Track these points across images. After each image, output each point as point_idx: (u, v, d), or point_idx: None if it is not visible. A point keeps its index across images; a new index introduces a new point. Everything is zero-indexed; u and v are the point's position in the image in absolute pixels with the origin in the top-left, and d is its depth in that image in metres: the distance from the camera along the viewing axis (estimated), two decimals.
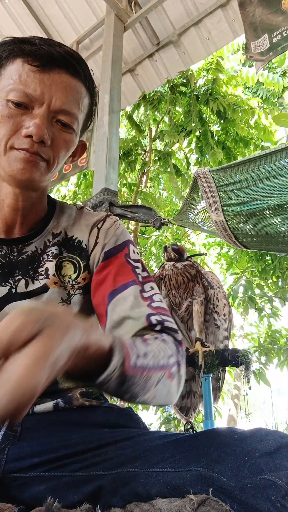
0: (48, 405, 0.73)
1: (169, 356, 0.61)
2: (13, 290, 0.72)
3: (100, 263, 0.77)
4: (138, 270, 0.76)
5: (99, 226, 0.81)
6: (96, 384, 0.49)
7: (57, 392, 0.75)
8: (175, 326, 0.69)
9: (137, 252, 0.80)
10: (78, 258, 0.78)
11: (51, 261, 0.75)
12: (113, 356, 0.50)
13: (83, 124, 0.76)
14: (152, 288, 0.74)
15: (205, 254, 2.89)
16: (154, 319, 0.67)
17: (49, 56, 0.66)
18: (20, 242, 0.75)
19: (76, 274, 0.77)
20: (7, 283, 0.73)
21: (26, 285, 0.73)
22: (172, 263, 2.25)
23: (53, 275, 0.75)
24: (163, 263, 2.33)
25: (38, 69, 0.65)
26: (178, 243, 2.63)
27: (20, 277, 0.73)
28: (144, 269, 0.78)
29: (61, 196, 6.66)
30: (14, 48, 0.67)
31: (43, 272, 0.75)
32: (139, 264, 0.77)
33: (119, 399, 0.59)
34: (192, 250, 5.48)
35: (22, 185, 0.69)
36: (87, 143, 3.16)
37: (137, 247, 5.97)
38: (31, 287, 0.73)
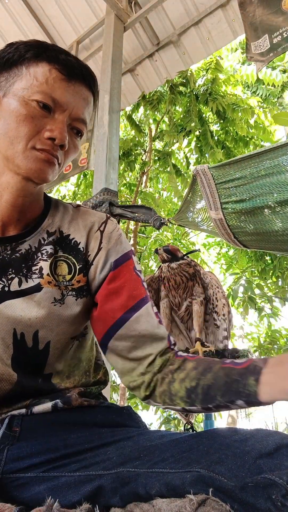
0: (47, 405, 0.73)
1: None
2: (6, 289, 0.72)
3: (110, 272, 0.77)
4: (144, 284, 0.79)
5: (101, 229, 0.80)
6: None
7: (56, 393, 0.75)
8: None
9: (138, 262, 0.82)
10: (73, 259, 0.77)
11: (46, 260, 0.75)
12: None
13: None
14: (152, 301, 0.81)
15: (198, 250, 2.89)
16: (172, 339, 0.78)
17: (75, 68, 0.71)
18: (14, 240, 0.75)
19: (70, 276, 0.76)
20: (0, 281, 0.72)
21: (20, 283, 0.73)
22: (167, 264, 2.25)
23: (47, 274, 0.74)
24: (161, 265, 2.33)
25: (65, 78, 0.69)
26: (169, 244, 2.63)
27: (14, 275, 0.73)
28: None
29: (61, 196, 6.66)
30: (40, 51, 0.69)
31: (37, 271, 0.74)
32: (142, 276, 0.81)
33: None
34: (190, 249, 5.48)
35: (35, 182, 0.72)
36: (87, 143, 3.16)
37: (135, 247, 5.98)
38: (25, 285, 0.73)
